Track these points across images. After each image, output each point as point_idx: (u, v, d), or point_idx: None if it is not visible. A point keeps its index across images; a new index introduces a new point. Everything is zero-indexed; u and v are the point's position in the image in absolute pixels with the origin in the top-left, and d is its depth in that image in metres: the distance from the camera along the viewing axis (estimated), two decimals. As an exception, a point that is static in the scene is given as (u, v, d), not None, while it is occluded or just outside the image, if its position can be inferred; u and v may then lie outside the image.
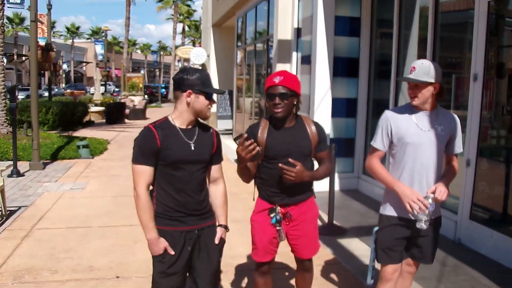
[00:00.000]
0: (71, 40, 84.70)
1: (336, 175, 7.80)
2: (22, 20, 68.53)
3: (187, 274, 3.82)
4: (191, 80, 3.53)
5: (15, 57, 51.78)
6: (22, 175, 11.70)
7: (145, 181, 3.53)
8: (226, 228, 3.92)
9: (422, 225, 3.74)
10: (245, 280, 5.75)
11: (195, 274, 3.80)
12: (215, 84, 22.94)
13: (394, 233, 4.04)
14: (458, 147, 4.07)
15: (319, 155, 4.25)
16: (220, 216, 3.92)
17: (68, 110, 22.59)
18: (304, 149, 4.10)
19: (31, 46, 13.57)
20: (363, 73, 10.39)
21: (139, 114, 29.71)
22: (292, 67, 12.05)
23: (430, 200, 3.73)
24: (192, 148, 3.61)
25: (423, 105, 3.92)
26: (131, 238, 7.05)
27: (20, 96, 33.71)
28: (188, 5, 68.11)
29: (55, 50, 26.75)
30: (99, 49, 70.36)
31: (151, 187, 3.66)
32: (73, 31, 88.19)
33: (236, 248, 6.76)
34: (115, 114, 26.94)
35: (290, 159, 3.87)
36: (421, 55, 8.08)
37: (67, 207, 8.97)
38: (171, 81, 62.03)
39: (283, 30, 12.09)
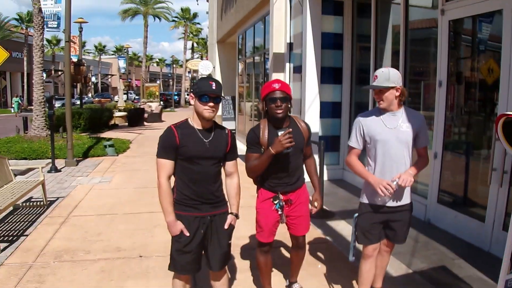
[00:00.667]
0: (98, 57, 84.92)
1: (325, 167, 7.80)
2: (58, 41, 68.88)
3: (202, 253, 3.87)
4: (193, 87, 3.67)
5: (53, 72, 52.08)
6: (59, 170, 11.76)
7: (166, 173, 3.62)
8: (236, 216, 3.99)
9: (380, 201, 3.97)
10: (249, 257, 5.75)
11: (208, 254, 3.86)
12: (220, 90, 22.99)
13: (371, 218, 4.10)
14: (425, 141, 4.08)
15: (307, 149, 4.39)
16: (232, 205, 3.99)
17: (96, 115, 22.62)
18: (299, 144, 4.17)
19: (65, 62, 13.63)
20: (346, 80, 10.40)
21: (156, 117, 29.79)
22: (285, 76, 12.06)
23: (395, 183, 3.81)
24: (207, 145, 3.66)
25: (389, 107, 3.95)
26: (151, 223, 7.06)
27: (57, 104, 33.74)
28: (198, 23, 68.68)
29: (85, 65, 26.87)
30: (122, 63, 70.52)
31: (173, 178, 3.72)
32: (100, 49, 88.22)
33: (240, 230, 6.73)
34: (135, 118, 26.99)
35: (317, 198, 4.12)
36: (395, 65, 8.09)
37: (97, 197, 8.99)
38: (183, 89, 62.86)
39: (278, 44, 12.10)
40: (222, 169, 3.95)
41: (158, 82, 64.93)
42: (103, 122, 23.52)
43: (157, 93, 47.81)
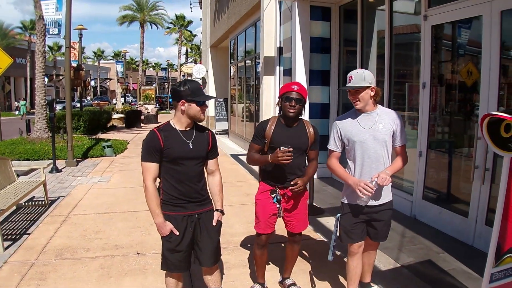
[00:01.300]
0: (97, 62, 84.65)
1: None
2: (59, 47, 68.59)
3: (192, 251, 3.84)
4: (183, 92, 3.57)
5: (54, 76, 51.94)
6: (60, 171, 11.65)
7: (152, 175, 3.57)
8: (222, 212, 3.93)
9: (361, 202, 3.90)
10: (244, 253, 5.71)
11: (198, 251, 3.82)
12: (213, 93, 23.07)
13: (353, 218, 4.06)
14: (402, 139, 4.01)
15: (311, 152, 4.36)
16: (216, 202, 3.94)
17: (95, 117, 22.51)
18: (303, 145, 4.20)
19: (66, 66, 13.60)
20: (334, 83, 10.39)
21: (152, 119, 29.72)
22: (276, 78, 12.05)
23: (374, 183, 3.75)
24: (190, 146, 3.63)
25: (365, 107, 3.92)
26: (147, 221, 6.96)
27: (58, 107, 33.63)
28: (190, 31, 68.84)
29: (84, 69, 26.75)
30: (120, 68, 70.13)
31: (158, 180, 3.69)
32: (99, 55, 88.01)
33: (234, 227, 6.74)
34: (133, 119, 26.95)
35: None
36: (380, 68, 8.09)
37: (96, 196, 8.90)
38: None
39: (268, 49, 12.09)
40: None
41: (154, 85, 64.98)
42: (102, 124, 23.40)
43: (153, 96, 47.70)
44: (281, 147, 3.92)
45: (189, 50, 74.11)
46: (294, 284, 4.64)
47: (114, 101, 50.15)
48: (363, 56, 9.00)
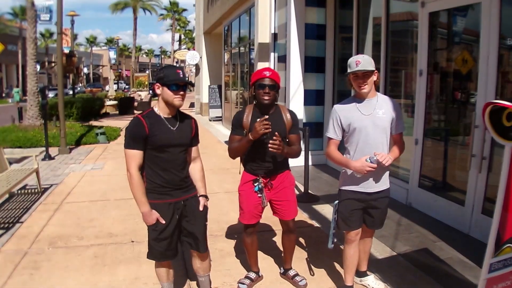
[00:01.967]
0: (90, 48, 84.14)
1: (309, 153, 7.74)
2: (51, 34, 68.04)
3: (178, 239, 3.82)
4: (158, 76, 3.52)
5: (46, 63, 51.54)
6: (53, 158, 11.60)
7: (136, 163, 3.48)
8: (206, 197, 3.90)
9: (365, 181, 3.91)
10: (239, 241, 5.65)
11: (189, 238, 3.79)
12: (206, 79, 22.99)
13: (351, 205, 4.01)
14: (400, 127, 3.97)
15: (291, 137, 4.26)
16: (200, 188, 3.89)
17: (88, 104, 22.43)
18: (281, 131, 4.06)
19: (58, 53, 13.53)
20: (329, 69, 10.36)
21: (145, 106, 29.46)
22: (270, 65, 11.96)
23: (374, 159, 3.71)
24: (175, 133, 3.56)
25: (370, 91, 3.86)
26: (142, 208, 6.93)
27: (50, 94, 33.43)
28: (185, 17, 68.59)
29: (76, 56, 26.58)
30: (112, 54, 69.93)
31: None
32: (92, 41, 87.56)
33: (229, 214, 6.70)
34: (126, 106, 26.85)
35: (276, 133, 3.86)
36: (376, 55, 8.01)
37: (89, 183, 8.85)
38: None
39: (263, 35, 12.01)
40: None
41: (147, 72, 64.77)
42: (95, 111, 23.32)
43: (146, 83, 47.55)
44: (257, 119, 3.89)
45: (182, 36, 73.81)
46: (298, 274, 4.59)
47: (107, 88, 49.87)
48: (359, 43, 8.93)
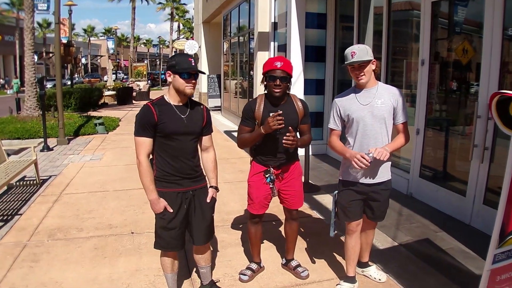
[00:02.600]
0: (88, 39, 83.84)
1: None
2: (49, 24, 67.58)
3: (186, 229, 3.79)
4: (170, 63, 3.51)
5: (44, 54, 51.39)
6: (51, 149, 11.54)
7: (145, 151, 3.47)
8: (216, 189, 3.89)
9: (355, 173, 3.90)
10: (240, 232, 5.67)
11: (192, 228, 3.76)
12: (205, 69, 22.89)
13: (350, 196, 3.99)
14: (402, 117, 3.89)
15: (303, 127, 4.24)
16: (211, 178, 3.88)
17: (86, 95, 22.27)
18: (293, 122, 4.05)
19: (55, 43, 13.41)
20: (329, 59, 10.33)
21: (144, 96, 29.56)
22: (270, 54, 11.94)
23: (370, 155, 3.64)
24: (185, 121, 3.53)
25: (368, 81, 3.81)
26: (141, 199, 6.89)
27: (48, 85, 33.28)
28: (184, 4, 68.45)
29: (74, 46, 26.47)
30: (111, 44, 69.63)
31: (151, 156, 3.60)
32: (89, 31, 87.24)
33: (229, 204, 6.70)
34: (124, 96, 26.75)
35: (290, 128, 3.85)
36: (377, 44, 7.98)
37: (88, 174, 8.81)
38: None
39: (262, 24, 11.97)
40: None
41: (145, 62, 64.63)
42: (93, 101, 23.17)
43: (144, 73, 47.40)
44: (270, 114, 3.84)
45: (181, 26, 73.61)
46: (299, 265, 4.59)
47: (105, 78, 49.77)
48: (360, 32, 8.88)
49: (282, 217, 5.84)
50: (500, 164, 5.31)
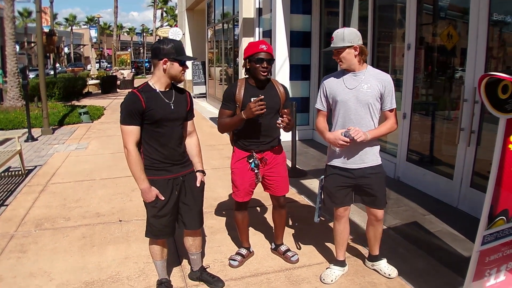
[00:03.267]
0: (70, 28, 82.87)
1: (296, 128, 7.73)
2: (29, 13, 66.36)
3: (177, 216, 3.77)
4: (167, 50, 3.39)
5: (26, 44, 50.69)
6: (36, 139, 11.43)
7: (133, 139, 3.39)
8: (203, 172, 3.88)
9: (342, 158, 3.88)
10: (228, 218, 5.66)
11: (185, 214, 3.74)
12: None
13: (337, 180, 3.94)
14: (389, 103, 3.82)
15: (284, 111, 4.14)
16: (197, 163, 3.87)
17: (70, 84, 22.06)
18: (276, 105, 4.06)
19: (37, 32, 13.27)
20: (315, 44, 10.30)
21: (128, 84, 29.25)
22: (255, 40, 11.87)
23: (348, 134, 3.60)
24: (172, 107, 3.49)
25: (350, 67, 3.76)
26: (128, 187, 6.88)
27: (31, 75, 32.96)
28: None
29: (57, 34, 26.19)
30: (93, 33, 69.10)
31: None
32: (71, 20, 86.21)
33: (216, 191, 6.69)
34: (108, 85, 26.57)
35: (285, 110, 3.87)
36: (363, 29, 7.94)
37: (74, 164, 8.73)
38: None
39: (247, 10, 11.90)
40: None
41: (129, 50, 64.01)
42: (77, 91, 22.96)
43: (128, 61, 46.99)
44: (252, 99, 3.83)
45: (164, 14, 73.08)
46: (289, 249, 4.59)
47: (88, 67, 49.40)
48: (345, 17, 8.86)
49: (267, 202, 5.86)
50: (487, 148, 5.35)
